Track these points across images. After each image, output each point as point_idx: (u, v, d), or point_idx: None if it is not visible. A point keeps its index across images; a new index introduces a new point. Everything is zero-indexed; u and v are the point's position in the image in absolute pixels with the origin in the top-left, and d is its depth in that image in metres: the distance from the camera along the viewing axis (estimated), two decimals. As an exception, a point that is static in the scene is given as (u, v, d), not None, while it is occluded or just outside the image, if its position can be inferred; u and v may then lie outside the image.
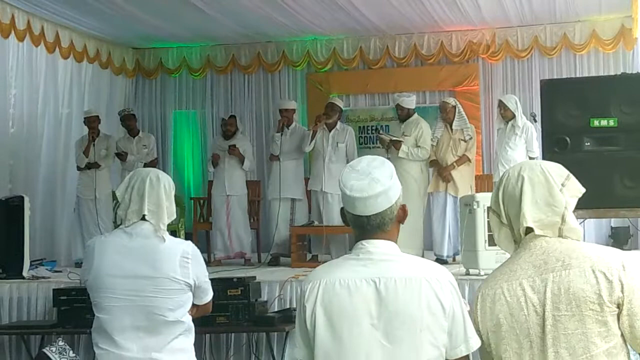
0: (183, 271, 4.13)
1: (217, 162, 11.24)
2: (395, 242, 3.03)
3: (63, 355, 5.77)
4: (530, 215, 2.93)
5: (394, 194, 3.00)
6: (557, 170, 3.03)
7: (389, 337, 2.87)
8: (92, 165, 11.08)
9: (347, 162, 10.76)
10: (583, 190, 3.03)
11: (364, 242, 2.99)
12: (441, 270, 2.96)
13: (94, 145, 11.05)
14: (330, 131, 10.86)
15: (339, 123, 11.01)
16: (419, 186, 10.25)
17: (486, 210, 8.21)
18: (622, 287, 2.78)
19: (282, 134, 10.93)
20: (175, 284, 4.11)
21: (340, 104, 11.29)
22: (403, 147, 10.25)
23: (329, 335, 2.92)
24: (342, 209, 3.08)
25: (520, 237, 2.99)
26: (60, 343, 5.87)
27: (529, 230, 2.95)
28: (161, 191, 4.20)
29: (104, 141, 11.29)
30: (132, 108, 12.45)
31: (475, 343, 2.90)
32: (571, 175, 3.03)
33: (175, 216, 4.30)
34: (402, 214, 3.03)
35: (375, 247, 2.97)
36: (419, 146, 10.30)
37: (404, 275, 2.90)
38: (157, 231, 4.16)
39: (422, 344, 2.85)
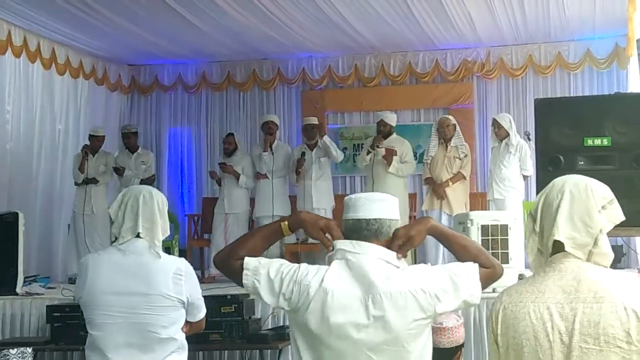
0: (176, 288, 4.14)
1: (216, 179, 11.29)
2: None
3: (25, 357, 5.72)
4: (563, 230, 2.87)
5: (395, 213, 3.12)
6: (602, 192, 2.94)
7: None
8: (90, 181, 11.09)
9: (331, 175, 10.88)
10: (623, 218, 2.94)
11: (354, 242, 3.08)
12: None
13: (87, 160, 11.05)
14: (312, 150, 10.92)
15: (319, 140, 11.04)
16: (403, 203, 10.31)
17: (480, 229, 8.23)
18: None
19: (271, 152, 10.98)
20: (169, 301, 4.12)
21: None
22: (394, 162, 10.34)
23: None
24: (342, 221, 3.12)
25: (547, 249, 2.92)
26: (13, 351, 5.81)
27: (558, 245, 2.88)
28: (155, 208, 4.21)
29: (102, 157, 11.30)
30: (135, 125, 12.42)
31: None
32: (615, 200, 2.94)
33: (169, 232, 4.32)
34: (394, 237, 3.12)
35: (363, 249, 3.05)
36: (405, 161, 10.41)
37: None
38: (152, 248, 4.17)
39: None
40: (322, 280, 3.01)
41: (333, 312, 2.97)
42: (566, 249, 2.88)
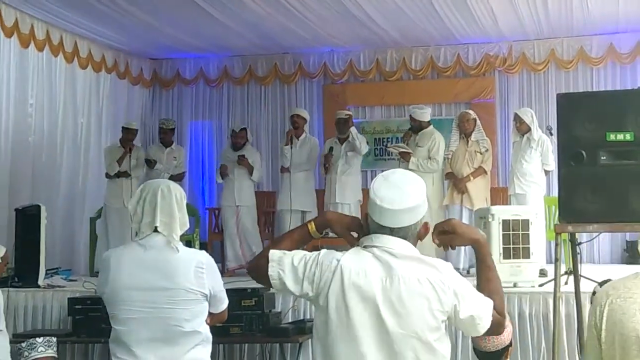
0: (198, 281, 4.15)
1: (225, 173, 11.25)
2: None
3: (50, 343, 5.78)
4: None
5: (421, 211, 3.09)
6: None
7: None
8: (122, 174, 11.10)
9: (360, 170, 10.83)
10: None
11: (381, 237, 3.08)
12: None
13: (130, 155, 11.07)
14: (342, 144, 10.88)
15: (350, 134, 10.99)
16: (431, 199, 10.19)
17: (501, 223, 8.21)
18: None
19: (291, 146, 10.95)
20: (191, 294, 4.13)
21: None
22: (412, 159, 10.28)
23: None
24: (366, 214, 3.12)
25: None
26: (40, 340, 5.87)
27: None
28: (173, 202, 4.22)
29: (134, 151, 11.30)
30: (173, 121, 12.34)
31: None
32: None
33: (188, 226, 4.32)
34: (424, 231, 3.10)
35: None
36: (431, 157, 10.33)
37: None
38: (170, 242, 4.18)
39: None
40: (341, 260, 3.05)
41: (350, 291, 3.00)
42: None
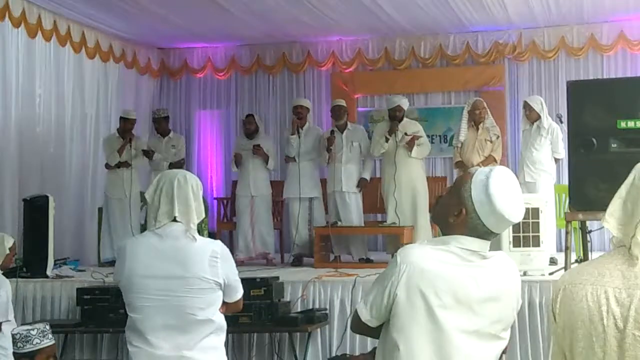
0: (212, 270, 4.18)
1: (239, 162, 11.21)
2: None
3: (46, 332, 5.72)
4: None
5: None
6: None
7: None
8: (122, 165, 11.05)
9: (362, 160, 10.84)
10: None
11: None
12: None
13: (131, 145, 11.03)
14: (342, 132, 10.85)
15: (349, 123, 11.00)
16: (425, 185, 10.43)
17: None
18: None
19: (298, 135, 10.94)
20: (205, 283, 4.17)
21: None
22: (416, 148, 10.34)
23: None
24: (461, 209, 3.05)
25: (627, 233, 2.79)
26: (40, 326, 5.80)
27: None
28: (189, 192, 4.26)
29: (134, 141, 11.25)
30: (166, 109, 12.33)
31: None
32: None
33: (203, 215, 4.37)
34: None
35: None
36: (421, 144, 10.50)
37: None
38: (188, 231, 4.22)
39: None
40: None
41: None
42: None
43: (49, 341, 5.54)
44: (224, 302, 4.32)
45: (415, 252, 3.02)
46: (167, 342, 4.15)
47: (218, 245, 4.29)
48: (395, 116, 10.58)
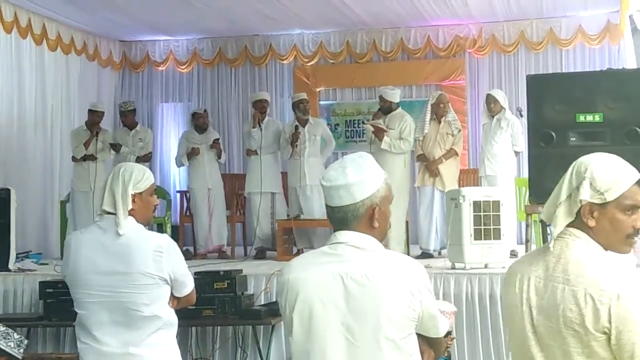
0: (157, 265, 4.09)
1: (194, 156, 11.27)
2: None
3: (8, 339, 5.69)
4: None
5: (360, 192, 2.99)
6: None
7: (354, 334, 2.93)
8: (89, 158, 10.99)
9: (323, 153, 10.91)
10: None
11: (335, 233, 3.04)
12: (412, 267, 3.01)
13: (96, 138, 10.98)
14: (304, 126, 10.89)
15: (310, 118, 11.05)
16: (402, 180, 10.17)
17: (472, 205, 8.26)
18: (610, 318, 2.70)
19: (260, 129, 10.97)
20: (149, 279, 4.09)
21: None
22: (386, 138, 10.15)
23: (301, 331, 2.99)
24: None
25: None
26: (2, 328, 5.77)
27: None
28: (119, 183, 4.15)
29: (101, 134, 11.19)
30: (132, 102, 12.22)
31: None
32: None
33: (130, 207, 4.14)
34: (372, 215, 3.01)
35: (345, 238, 3.01)
36: (402, 138, 10.26)
37: (370, 271, 2.95)
38: (118, 225, 4.11)
39: (382, 346, 2.91)
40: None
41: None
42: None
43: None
44: (174, 297, 4.24)
45: None
46: (114, 339, 4.09)
47: (163, 240, 4.18)
48: (380, 106, 10.63)
